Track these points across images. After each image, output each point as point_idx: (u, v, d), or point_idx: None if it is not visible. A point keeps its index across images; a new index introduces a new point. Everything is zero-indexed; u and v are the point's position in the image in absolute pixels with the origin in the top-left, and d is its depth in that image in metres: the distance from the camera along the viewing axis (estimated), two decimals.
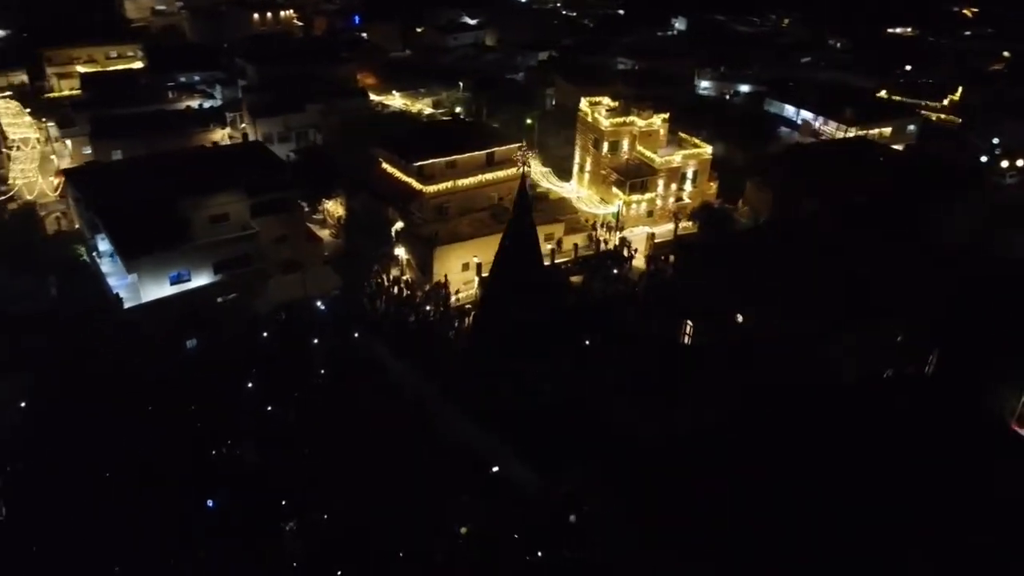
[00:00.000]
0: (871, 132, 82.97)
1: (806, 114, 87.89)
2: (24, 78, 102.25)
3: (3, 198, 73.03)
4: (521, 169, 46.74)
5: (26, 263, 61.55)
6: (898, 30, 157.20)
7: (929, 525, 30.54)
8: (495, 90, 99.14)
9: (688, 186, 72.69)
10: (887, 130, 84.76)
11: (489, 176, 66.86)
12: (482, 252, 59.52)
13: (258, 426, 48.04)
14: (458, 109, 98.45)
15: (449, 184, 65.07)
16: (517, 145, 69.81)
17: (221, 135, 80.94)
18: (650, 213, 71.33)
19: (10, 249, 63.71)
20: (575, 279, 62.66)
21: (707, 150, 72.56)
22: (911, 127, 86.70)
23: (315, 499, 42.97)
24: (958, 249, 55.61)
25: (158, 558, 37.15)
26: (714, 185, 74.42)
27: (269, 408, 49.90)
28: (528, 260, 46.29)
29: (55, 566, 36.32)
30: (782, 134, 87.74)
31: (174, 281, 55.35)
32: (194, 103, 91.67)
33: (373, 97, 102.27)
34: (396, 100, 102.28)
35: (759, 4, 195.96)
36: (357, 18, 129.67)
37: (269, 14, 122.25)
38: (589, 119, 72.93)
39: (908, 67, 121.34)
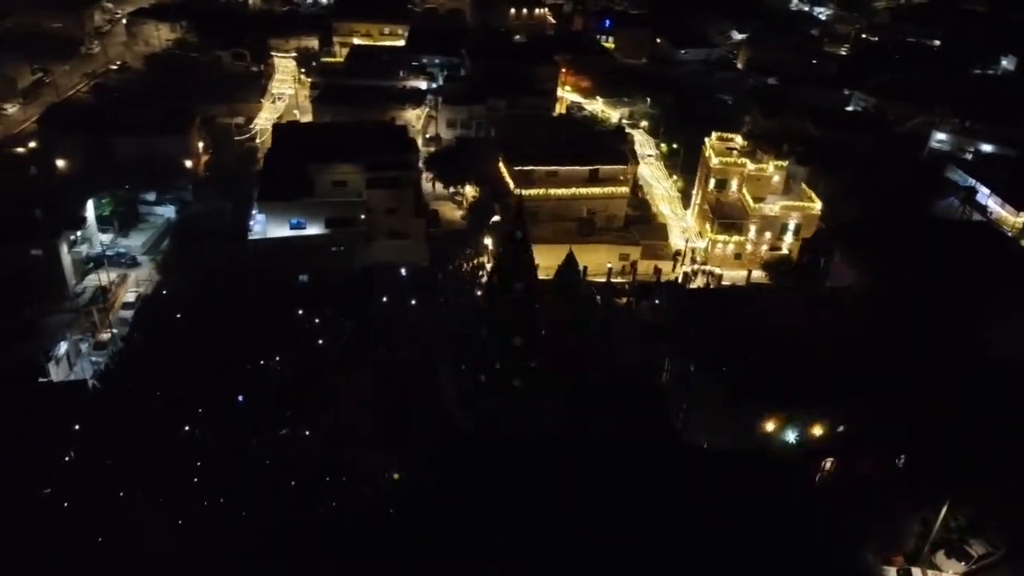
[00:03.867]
0: None
1: (984, 189, 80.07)
2: (315, 43, 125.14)
3: (244, 136, 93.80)
4: (519, 192, 52.39)
5: (229, 191, 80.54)
6: None
7: None
8: (686, 109, 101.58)
9: (788, 237, 71.96)
10: None
11: (584, 191, 72.65)
12: (551, 257, 66.17)
13: (303, 353, 60.72)
14: (643, 123, 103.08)
15: (542, 191, 72.03)
16: (623, 168, 74.43)
17: (414, 115, 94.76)
18: (738, 256, 72.01)
19: (226, 179, 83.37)
20: (622, 300, 66.95)
21: (816, 206, 71.11)
22: None
23: (310, 416, 54.73)
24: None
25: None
26: None
27: (320, 341, 62.74)
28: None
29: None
30: (951, 206, 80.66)
31: (293, 226, 69.78)
32: (420, 83, 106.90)
33: (576, 100, 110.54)
34: (596, 105, 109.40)
35: None
36: (608, 21, 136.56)
37: (524, 9, 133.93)
38: (706, 154, 74.96)
39: None
